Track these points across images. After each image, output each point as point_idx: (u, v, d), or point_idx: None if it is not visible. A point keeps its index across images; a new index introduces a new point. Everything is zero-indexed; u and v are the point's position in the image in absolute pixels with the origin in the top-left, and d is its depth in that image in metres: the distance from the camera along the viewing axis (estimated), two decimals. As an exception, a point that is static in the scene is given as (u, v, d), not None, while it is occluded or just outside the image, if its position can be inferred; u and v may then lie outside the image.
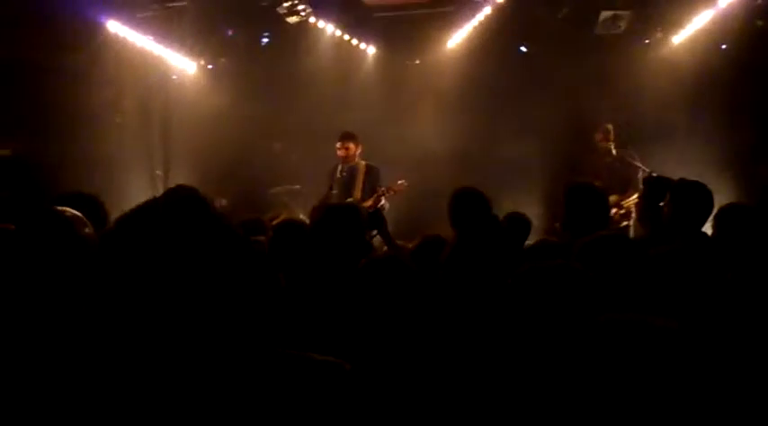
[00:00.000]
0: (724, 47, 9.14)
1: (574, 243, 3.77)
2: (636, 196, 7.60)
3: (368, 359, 2.68)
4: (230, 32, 10.12)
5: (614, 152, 8.25)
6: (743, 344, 3.03)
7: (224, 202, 10.04)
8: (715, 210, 3.95)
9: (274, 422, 1.98)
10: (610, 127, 8.42)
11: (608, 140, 8.34)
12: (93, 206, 3.42)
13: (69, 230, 2.84)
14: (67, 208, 2.98)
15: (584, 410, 2.51)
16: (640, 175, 7.91)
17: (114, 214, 4.05)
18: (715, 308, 3.23)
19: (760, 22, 8.59)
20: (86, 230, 2.91)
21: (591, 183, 5.00)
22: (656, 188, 4.46)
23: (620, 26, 8.82)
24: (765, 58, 8.69)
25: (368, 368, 2.59)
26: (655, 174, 7.39)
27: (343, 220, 3.73)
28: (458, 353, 3.01)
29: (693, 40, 9.09)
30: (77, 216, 2.94)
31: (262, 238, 3.98)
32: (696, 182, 4.10)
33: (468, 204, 4.34)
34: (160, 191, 5.69)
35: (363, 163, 8.12)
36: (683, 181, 4.26)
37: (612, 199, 7.59)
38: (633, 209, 7.59)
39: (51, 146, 8.61)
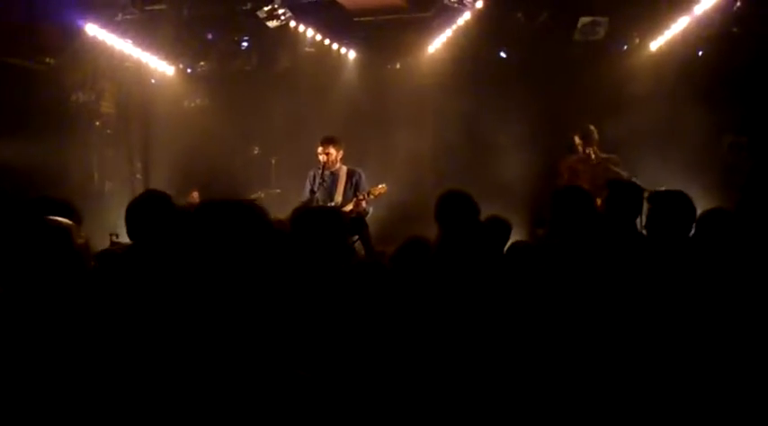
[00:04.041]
0: (701, 53, 9.24)
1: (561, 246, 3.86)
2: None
3: (350, 362, 2.69)
4: (210, 36, 10.09)
5: (593, 156, 8.26)
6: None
7: (195, 195, 10.01)
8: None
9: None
10: (591, 128, 8.37)
11: (589, 144, 8.30)
12: (66, 211, 3.41)
13: (65, 240, 2.85)
14: (61, 219, 2.98)
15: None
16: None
17: (89, 218, 4.05)
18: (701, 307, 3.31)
19: (735, 29, 8.69)
20: (80, 240, 2.92)
21: (577, 187, 5.05)
22: (620, 193, 4.52)
23: (598, 32, 8.88)
24: (741, 64, 8.80)
25: (348, 371, 2.60)
26: (635, 179, 7.48)
27: (324, 225, 3.73)
28: (443, 350, 3.03)
29: (671, 46, 9.18)
30: (72, 226, 2.96)
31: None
32: (677, 191, 4.16)
33: (456, 205, 4.37)
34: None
35: (345, 167, 8.12)
36: (662, 191, 4.35)
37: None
38: None
39: (29, 150, 8.53)
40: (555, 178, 8.34)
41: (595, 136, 8.29)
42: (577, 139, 8.38)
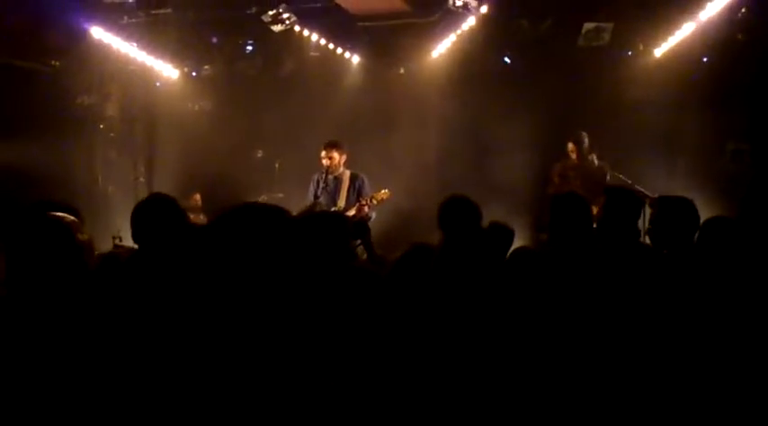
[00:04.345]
0: (705, 59, 9.23)
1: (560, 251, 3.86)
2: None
3: (350, 369, 2.69)
4: (214, 40, 10.12)
5: (596, 162, 8.29)
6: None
7: (197, 198, 10.09)
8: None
9: None
10: (584, 135, 8.44)
11: (581, 151, 8.38)
12: (70, 213, 3.42)
13: (68, 236, 2.87)
14: (65, 214, 3.01)
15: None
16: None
17: (92, 221, 4.07)
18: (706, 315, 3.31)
19: (740, 36, 8.68)
20: (81, 235, 2.94)
21: (575, 193, 5.07)
22: (616, 200, 4.52)
23: (602, 38, 8.88)
24: (746, 71, 8.79)
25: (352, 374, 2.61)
26: (640, 187, 7.51)
27: (327, 229, 3.73)
28: (444, 356, 3.03)
29: (675, 53, 9.17)
30: (75, 222, 3.00)
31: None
32: (681, 197, 4.17)
33: (459, 211, 4.37)
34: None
35: (348, 172, 8.12)
36: (668, 196, 4.35)
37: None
38: None
39: (34, 152, 8.57)
40: (546, 184, 8.42)
41: (587, 143, 8.36)
42: (570, 146, 8.45)
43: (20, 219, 3.00)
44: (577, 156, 8.38)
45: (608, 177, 8.19)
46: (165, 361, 2.33)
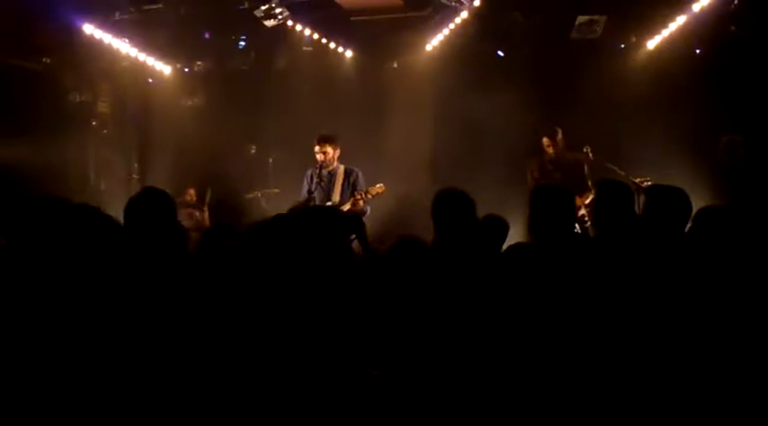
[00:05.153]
0: (698, 51, 9.25)
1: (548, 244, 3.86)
2: (590, 197, 7.70)
3: (345, 361, 2.69)
4: (207, 35, 10.08)
5: (590, 155, 8.31)
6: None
7: (192, 192, 10.08)
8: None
9: None
10: (557, 129, 8.51)
11: (554, 144, 8.43)
12: None
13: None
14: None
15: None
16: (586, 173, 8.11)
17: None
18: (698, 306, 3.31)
19: (733, 28, 8.70)
20: None
21: (556, 185, 5.07)
22: (608, 191, 4.51)
23: (595, 31, 8.89)
24: (738, 63, 8.81)
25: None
26: (633, 178, 7.51)
27: (322, 224, 3.72)
28: (440, 349, 3.04)
29: (668, 45, 9.20)
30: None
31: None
32: (673, 187, 4.16)
33: (452, 205, 4.35)
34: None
35: (342, 166, 8.11)
36: (659, 185, 4.33)
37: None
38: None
39: (26, 150, 8.54)
40: (526, 177, 8.46)
41: (560, 136, 8.43)
42: (546, 141, 8.49)
43: (18, 212, 3.01)
44: (554, 150, 8.44)
45: (587, 168, 8.20)
46: (166, 359, 2.33)
